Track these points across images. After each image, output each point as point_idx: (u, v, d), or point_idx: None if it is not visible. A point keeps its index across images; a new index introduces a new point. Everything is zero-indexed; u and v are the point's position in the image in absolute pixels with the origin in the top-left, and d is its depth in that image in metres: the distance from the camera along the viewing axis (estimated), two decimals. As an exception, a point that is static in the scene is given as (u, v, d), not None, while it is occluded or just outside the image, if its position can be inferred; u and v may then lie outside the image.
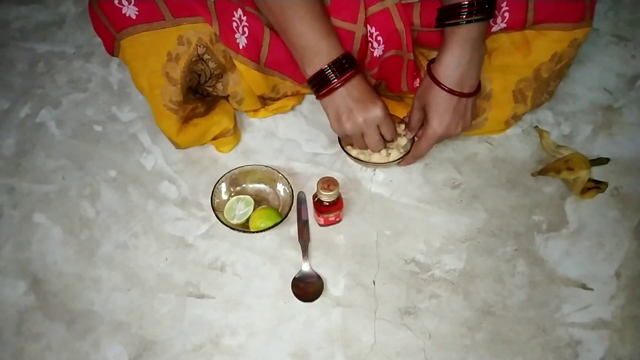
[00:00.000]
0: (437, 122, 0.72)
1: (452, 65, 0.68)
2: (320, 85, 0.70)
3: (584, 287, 0.73)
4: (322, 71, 0.69)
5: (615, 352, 0.68)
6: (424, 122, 0.75)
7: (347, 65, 0.69)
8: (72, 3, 1.13)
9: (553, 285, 0.73)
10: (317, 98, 0.72)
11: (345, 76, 0.69)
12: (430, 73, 0.71)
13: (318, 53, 0.69)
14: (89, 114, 0.94)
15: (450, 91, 0.70)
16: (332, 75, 0.69)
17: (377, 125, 0.72)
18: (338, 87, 0.69)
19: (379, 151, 0.76)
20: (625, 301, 0.71)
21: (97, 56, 1.03)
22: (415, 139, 0.78)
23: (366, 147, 0.76)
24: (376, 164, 0.80)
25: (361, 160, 0.80)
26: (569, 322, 0.70)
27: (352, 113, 0.70)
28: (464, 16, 0.65)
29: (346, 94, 0.70)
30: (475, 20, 0.66)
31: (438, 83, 0.70)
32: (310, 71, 0.70)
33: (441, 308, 0.71)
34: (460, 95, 0.70)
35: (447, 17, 0.67)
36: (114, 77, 0.99)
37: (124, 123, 0.92)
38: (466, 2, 0.65)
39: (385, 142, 0.76)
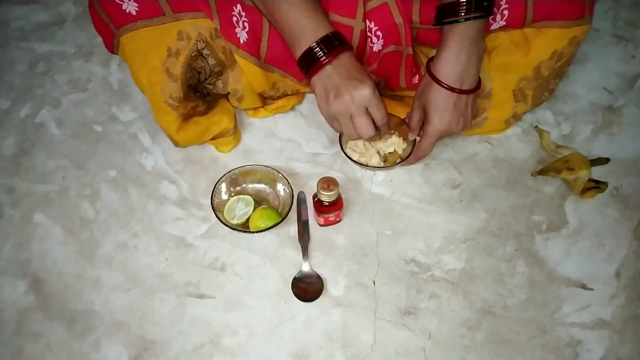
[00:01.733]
0: (438, 120, 0.72)
1: (451, 62, 0.68)
2: (309, 64, 0.69)
3: (584, 287, 0.73)
4: (310, 49, 0.67)
5: (615, 352, 0.68)
6: (424, 121, 0.75)
7: (336, 42, 0.68)
8: (72, 3, 1.13)
9: (553, 285, 0.73)
10: (307, 78, 0.71)
11: (333, 52, 0.67)
12: (429, 71, 0.71)
13: (306, 32, 0.67)
14: (89, 114, 0.94)
15: (450, 88, 0.69)
16: (320, 52, 0.67)
17: (367, 108, 0.69)
18: (326, 64, 0.68)
19: (369, 137, 0.72)
20: (625, 301, 0.71)
21: (97, 56, 1.03)
22: (417, 139, 0.78)
23: (356, 135, 0.72)
24: (377, 168, 0.80)
25: (362, 164, 0.79)
26: (569, 322, 0.70)
27: (340, 91, 0.68)
28: (463, 14, 0.65)
29: (334, 72, 0.68)
30: (474, 18, 0.65)
31: (437, 81, 0.70)
32: (299, 51, 0.69)
33: (441, 308, 0.71)
34: (460, 92, 0.70)
35: (445, 15, 0.67)
36: (114, 77, 0.99)
37: (124, 123, 0.92)
38: (464, 0, 0.65)
39: (376, 130, 0.72)
